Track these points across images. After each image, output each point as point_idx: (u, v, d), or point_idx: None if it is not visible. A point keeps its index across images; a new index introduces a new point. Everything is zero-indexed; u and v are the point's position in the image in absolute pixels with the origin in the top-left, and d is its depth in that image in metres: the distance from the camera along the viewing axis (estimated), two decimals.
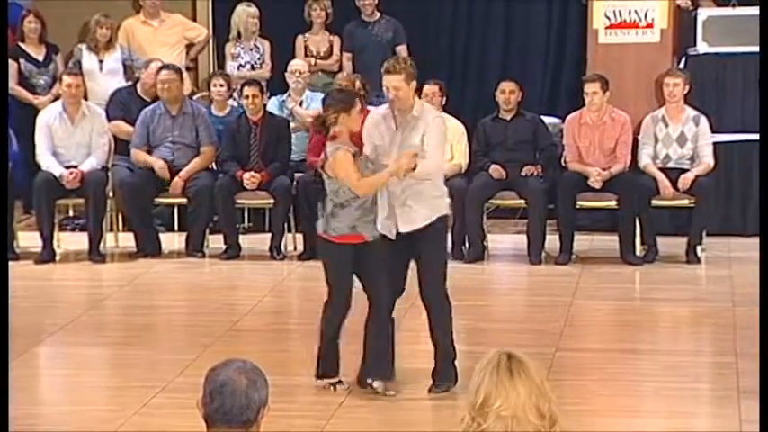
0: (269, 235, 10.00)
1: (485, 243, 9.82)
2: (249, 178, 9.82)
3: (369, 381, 6.61)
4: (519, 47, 12.13)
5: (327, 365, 6.68)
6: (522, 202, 9.84)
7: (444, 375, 6.64)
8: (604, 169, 9.64)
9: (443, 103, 10.00)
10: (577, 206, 9.71)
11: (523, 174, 9.80)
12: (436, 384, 6.65)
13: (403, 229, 6.57)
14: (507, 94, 9.95)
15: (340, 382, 6.67)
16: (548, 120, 10.37)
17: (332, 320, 6.63)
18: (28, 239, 10.03)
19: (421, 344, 6.81)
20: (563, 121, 10.14)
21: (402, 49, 11.42)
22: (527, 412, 3.28)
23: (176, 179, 9.90)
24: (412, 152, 6.48)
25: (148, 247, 9.96)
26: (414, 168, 6.46)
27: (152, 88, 10.30)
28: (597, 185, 9.62)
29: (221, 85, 10.48)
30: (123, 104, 10.48)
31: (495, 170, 9.78)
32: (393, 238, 6.58)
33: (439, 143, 6.66)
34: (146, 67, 10.57)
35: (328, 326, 6.64)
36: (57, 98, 10.38)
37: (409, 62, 6.76)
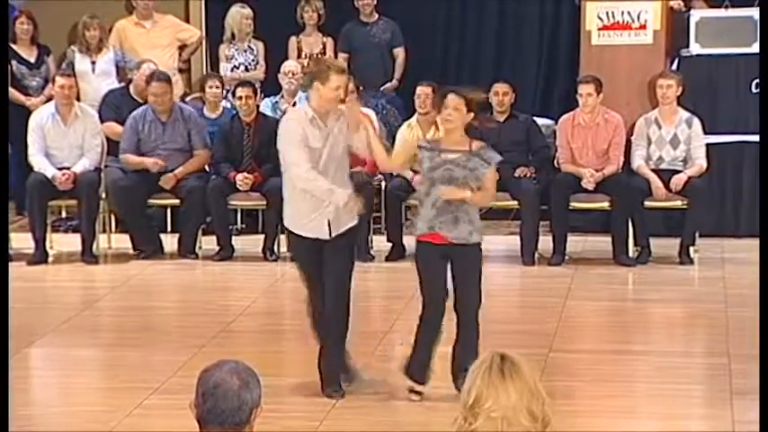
0: (262, 236, 10.00)
1: None
2: (242, 179, 9.82)
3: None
4: (512, 48, 12.15)
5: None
6: (515, 203, 9.85)
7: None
8: (597, 170, 9.65)
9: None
10: (570, 207, 9.71)
11: (516, 175, 9.81)
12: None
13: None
14: (501, 95, 9.96)
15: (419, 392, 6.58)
16: (541, 121, 10.38)
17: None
18: (21, 241, 10.02)
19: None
20: (556, 123, 10.15)
21: (399, 52, 11.45)
22: (518, 414, 3.28)
23: (169, 174, 9.89)
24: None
25: (149, 247, 9.94)
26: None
27: (144, 90, 10.30)
28: (590, 187, 9.62)
29: (216, 87, 10.48)
30: (116, 106, 10.47)
31: None
32: None
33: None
34: (138, 69, 10.57)
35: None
36: (49, 99, 10.37)
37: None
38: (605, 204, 9.69)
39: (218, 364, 3.50)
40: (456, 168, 6.41)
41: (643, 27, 10.20)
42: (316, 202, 6.59)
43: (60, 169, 9.82)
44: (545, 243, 9.73)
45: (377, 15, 11.46)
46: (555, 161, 9.98)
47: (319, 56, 11.40)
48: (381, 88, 11.31)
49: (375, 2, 11.40)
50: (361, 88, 10.56)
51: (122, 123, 10.25)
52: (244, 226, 10.76)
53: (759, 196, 9.64)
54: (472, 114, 6.40)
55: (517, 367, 3.33)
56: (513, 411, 3.27)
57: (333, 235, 6.60)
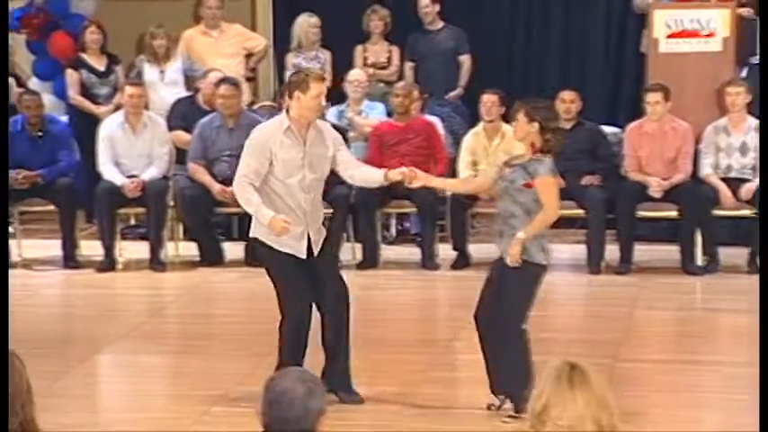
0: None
1: None
2: None
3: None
4: (578, 56, 12.11)
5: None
6: (582, 211, 9.80)
7: None
8: (665, 179, 9.58)
9: (503, 112, 9.99)
10: (637, 216, 9.65)
11: (583, 183, 9.76)
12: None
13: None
14: (567, 103, 9.92)
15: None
16: (607, 129, 10.32)
17: None
18: (90, 248, 10.12)
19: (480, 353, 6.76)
20: (623, 131, 10.09)
21: (465, 59, 11.43)
22: (584, 423, 3.26)
23: (231, 188, 9.91)
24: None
25: (210, 257, 10.01)
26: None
27: (211, 98, 10.37)
28: (657, 195, 9.56)
29: None
30: (184, 114, 10.54)
31: None
32: None
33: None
34: (204, 78, 10.64)
35: None
36: (118, 108, 10.47)
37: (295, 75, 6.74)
38: (673, 213, 9.61)
39: (284, 373, 3.52)
40: (501, 181, 6.40)
41: (712, 35, 10.10)
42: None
43: (129, 177, 9.90)
44: (611, 252, 9.67)
45: (442, 23, 11.46)
46: (622, 169, 9.92)
47: (384, 64, 11.44)
48: (446, 96, 11.31)
49: (437, 10, 11.38)
50: (426, 96, 10.58)
51: (190, 132, 10.33)
52: None
53: (760, 202, 9.48)
54: (536, 125, 6.34)
55: (586, 376, 3.32)
56: (579, 421, 3.27)
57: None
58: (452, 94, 11.37)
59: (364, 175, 6.81)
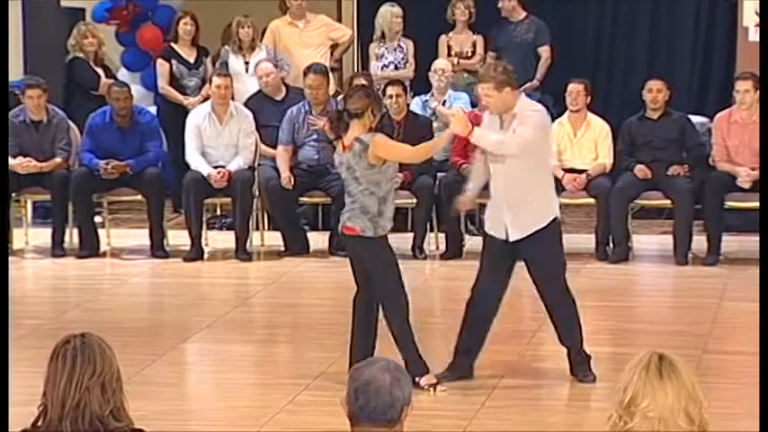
0: (411, 234, 10.01)
1: (629, 243, 9.71)
2: None
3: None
4: (666, 45, 11.99)
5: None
6: (668, 202, 9.71)
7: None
8: (753, 169, 9.46)
9: (588, 101, 9.93)
10: (726, 206, 9.54)
11: (670, 173, 9.67)
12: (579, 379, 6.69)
13: (513, 237, 6.58)
14: (654, 92, 9.82)
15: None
16: (695, 119, 10.21)
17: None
18: (177, 238, 10.22)
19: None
20: (711, 120, 9.98)
21: (543, 51, 11.35)
22: (675, 415, 3.24)
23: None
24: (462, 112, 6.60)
25: (296, 247, 10.06)
26: (470, 133, 6.54)
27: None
28: (746, 185, 9.43)
29: None
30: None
31: (641, 170, 9.67)
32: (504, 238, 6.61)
33: (530, 127, 6.54)
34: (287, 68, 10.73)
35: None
36: (206, 99, 10.56)
37: (501, 68, 6.65)
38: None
39: (370, 362, 3.53)
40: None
41: None
42: None
43: (216, 168, 9.99)
44: (699, 242, 9.57)
45: (524, 14, 11.40)
46: (710, 159, 9.81)
47: (469, 54, 11.41)
48: (521, 88, 11.20)
49: (513, 4, 11.32)
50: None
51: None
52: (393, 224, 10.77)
53: (760, 196, 9.29)
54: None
55: (675, 368, 3.29)
56: (670, 412, 3.24)
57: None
58: (527, 85, 11.28)
59: None
